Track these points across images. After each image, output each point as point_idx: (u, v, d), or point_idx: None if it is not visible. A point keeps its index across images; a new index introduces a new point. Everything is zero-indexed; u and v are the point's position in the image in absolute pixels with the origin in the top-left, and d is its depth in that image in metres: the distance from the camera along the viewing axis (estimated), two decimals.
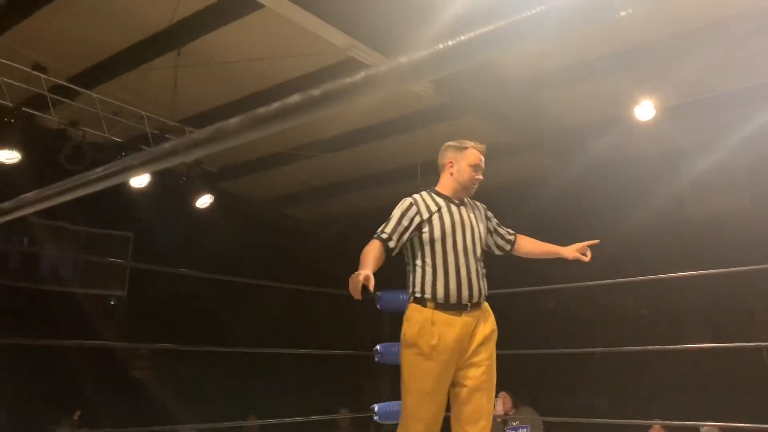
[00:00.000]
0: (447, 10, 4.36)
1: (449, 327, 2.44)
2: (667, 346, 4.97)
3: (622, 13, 0.67)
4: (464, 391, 2.46)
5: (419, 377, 2.44)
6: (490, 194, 3.03)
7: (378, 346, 4.47)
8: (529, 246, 2.78)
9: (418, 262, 2.53)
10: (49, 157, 5.29)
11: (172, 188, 6.29)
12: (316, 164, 6.96)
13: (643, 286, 5.95)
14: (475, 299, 2.50)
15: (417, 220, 2.53)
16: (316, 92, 0.74)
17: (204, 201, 6.37)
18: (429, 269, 2.49)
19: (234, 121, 0.81)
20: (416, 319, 2.47)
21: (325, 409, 5.56)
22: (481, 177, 2.64)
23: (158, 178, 5.96)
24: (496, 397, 5.87)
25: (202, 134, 0.84)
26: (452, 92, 5.32)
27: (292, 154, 6.70)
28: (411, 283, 2.55)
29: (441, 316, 2.45)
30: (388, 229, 2.54)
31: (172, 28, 5.04)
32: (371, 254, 2.46)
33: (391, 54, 4.68)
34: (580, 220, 6.39)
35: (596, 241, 2.69)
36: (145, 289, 6.66)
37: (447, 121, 5.75)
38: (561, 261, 2.80)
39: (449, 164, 2.63)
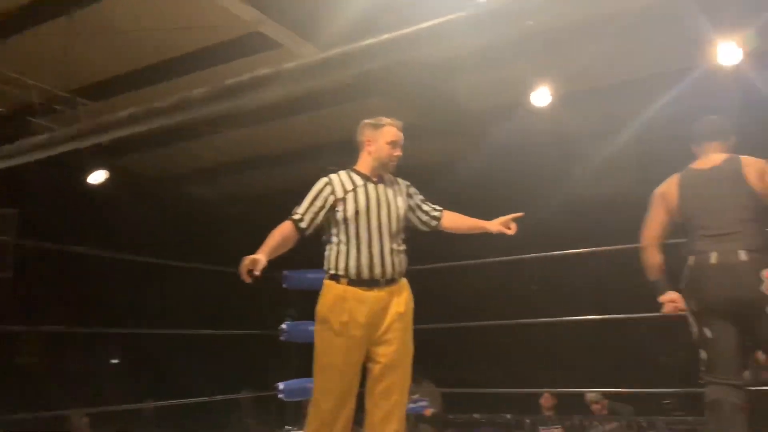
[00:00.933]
0: None
1: (360, 303, 2.48)
2: (557, 318, 5.26)
3: (530, 22, 0.71)
4: (377, 367, 2.51)
5: (330, 352, 2.49)
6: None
7: (284, 324, 4.47)
8: (456, 222, 2.79)
9: (334, 239, 2.57)
10: None
11: (62, 162, 5.91)
12: (220, 142, 6.78)
13: (537, 263, 6.27)
14: (388, 276, 2.53)
15: (331, 199, 2.56)
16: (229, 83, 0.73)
17: (97, 177, 6.04)
18: (343, 247, 2.53)
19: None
20: (329, 295, 2.53)
21: (228, 390, 5.49)
22: (399, 153, 2.66)
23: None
24: None
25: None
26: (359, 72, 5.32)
27: (194, 130, 6.48)
28: (326, 261, 2.58)
29: (353, 291, 2.49)
30: (300, 209, 2.58)
31: None
32: (274, 237, 2.52)
33: (303, 32, 4.62)
34: (486, 203, 6.62)
35: (521, 214, 2.70)
36: (34, 271, 6.26)
37: (354, 101, 5.75)
38: (464, 239, 2.89)
39: (367, 142, 2.65)
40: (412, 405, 5.93)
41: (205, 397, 4.48)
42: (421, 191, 2.81)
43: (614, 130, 5.88)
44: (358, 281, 2.51)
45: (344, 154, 2.83)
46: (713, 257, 2.69)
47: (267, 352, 5.64)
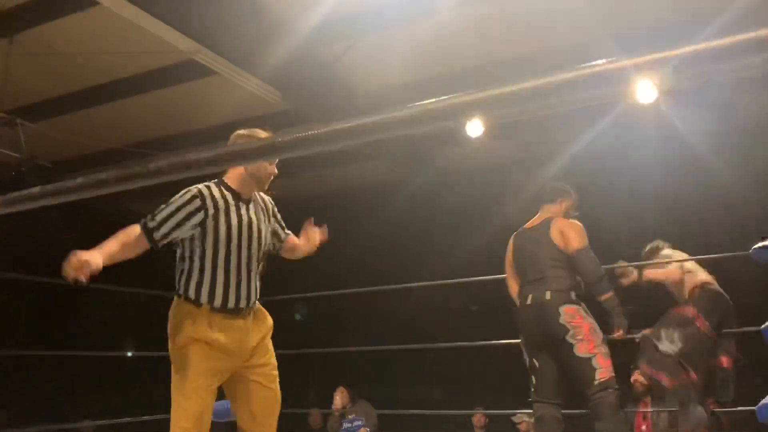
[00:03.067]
0: (300, 25, 4.53)
1: (223, 331, 2.30)
2: (487, 342, 5.45)
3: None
4: (250, 388, 2.40)
5: (190, 373, 2.27)
6: (335, 199, 3.11)
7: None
8: (291, 250, 2.67)
9: (195, 260, 2.34)
10: None
11: (4, 182, 5.91)
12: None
13: (476, 285, 6.48)
14: (251, 303, 2.41)
15: (199, 216, 2.30)
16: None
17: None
18: (207, 270, 2.32)
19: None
20: (187, 319, 2.30)
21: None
22: (275, 171, 2.47)
23: None
24: (334, 392, 6.18)
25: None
26: (298, 99, 5.49)
27: (131, 150, 6.53)
28: (182, 281, 2.36)
29: (215, 319, 2.30)
30: (159, 217, 2.28)
31: (5, 15, 4.77)
32: (117, 240, 2.21)
33: (240, 61, 4.77)
34: (422, 231, 6.89)
35: (310, 220, 2.65)
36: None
37: (292, 126, 5.89)
38: (409, 261, 2.93)
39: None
40: (347, 425, 6.05)
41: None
42: (363, 213, 2.78)
43: (543, 161, 6.16)
44: (221, 309, 2.32)
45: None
46: (529, 299, 3.38)
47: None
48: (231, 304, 2.34)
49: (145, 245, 2.28)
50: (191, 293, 2.33)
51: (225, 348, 2.30)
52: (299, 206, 2.94)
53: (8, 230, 5.85)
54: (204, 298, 2.31)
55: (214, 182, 2.40)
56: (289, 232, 2.66)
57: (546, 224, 3.52)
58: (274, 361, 2.49)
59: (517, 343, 3.60)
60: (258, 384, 2.41)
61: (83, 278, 2.03)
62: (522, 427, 5.81)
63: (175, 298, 2.38)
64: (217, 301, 2.32)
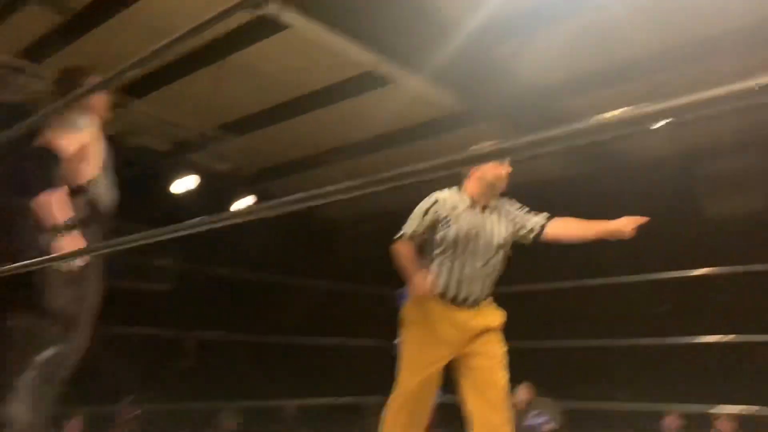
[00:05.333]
0: (467, 25, 4.64)
1: (450, 321, 2.62)
2: (686, 338, 5.15)
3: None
4: (472, 374, 2.64)
5: (411, 356, 2.65)
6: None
7: (396, 341, 4.81)
8: (561, 231, 2.75)
9: (429, 257, 2.71)
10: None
11: (214, 192, 6.75)
12: (350, 166, 7.32)
13: (667, 282, 6.13)
14: (479, 298, 2.68)
15: (435, 217, 2.68)
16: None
17: (245, 203, 6.83)
18: (436, 265, 2.67)
19: None
20: (417, 307, 2.70)
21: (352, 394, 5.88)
22: (506, 171, 2.71)
23: (204, 181, 6.43)
24: (517, 387, 6.19)
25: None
26: (470, 99, 5.60)
27: (322, 158, 7.07)
28: None
29: (444, 310, 2.63)
30: (407, 227, 2.74)
31: (214, 42, 5.43)
32: (406, 257, 2.69)
33: (414, 67, 5.01)
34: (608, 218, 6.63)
35: (646, 219, 2.61)
36: (189, 285, 7.19)
37: (463, 128, 6.01)
38: (590, 256, 2.85)
39: (473, 169, 2.72)
40: (532, 421, 6.05)
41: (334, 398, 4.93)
42: (538, 209, 2.78)
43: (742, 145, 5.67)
44: (445, 300, 2.64)
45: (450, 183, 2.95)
46: None
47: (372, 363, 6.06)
48: (460, 298, 2.65)
49: (407, 246, 2.71)
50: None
51: (449, 337, 2.62)
52: None
53: (228, 235, 6.70)
54: (435, 291, 2.64)
55: (455, 188, 2.77)
56: (546, 219, 2.77)
57: None
58: (498, 350, 2.68)
59: (713, 342, 3.29)
60: (479, 370, 2.63)
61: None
62: (722, 427, 5.38)
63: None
64: (448, 294, 2.64)
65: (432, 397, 2.73)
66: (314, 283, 5.86)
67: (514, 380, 6.36)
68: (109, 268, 2.44)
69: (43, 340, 2.18)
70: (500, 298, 2.86)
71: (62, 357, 2.17)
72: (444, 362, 2.67)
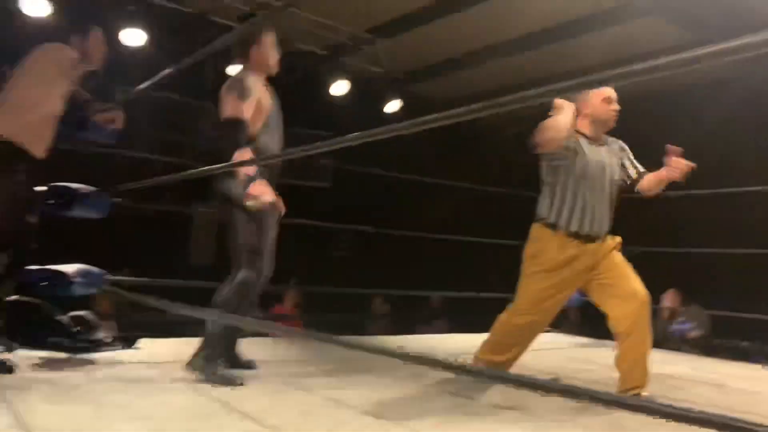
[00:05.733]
0: None
1: (574, 253, 2.67)
2: None
3: None
4: (603, 289, 2.69)
5: (531, 287, 2.74)
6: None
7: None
8: (650, 183, 2.78)
9: (556, 190, 2.72)
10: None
11: (367, 95, 7.05)
12: (496, 66, 7.25)
13: None
14: (602, 230, 2.70)
15: (562, 152, 2.68)
16: None
17: (393, 106, 7.08)
18: (566, 199, 2.68)
19: None
20: (539, 240, 2.74)
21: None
22: (615, 108, 2.73)
23: (355, 85, 6.74)
24: (664, 295, 6.12)
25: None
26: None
27: (473, 57, 7.05)
28: (543, 207, 2.77)
29: (569, 242, 2.67)
30: None
31: None
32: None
33: None
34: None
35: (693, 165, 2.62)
36: (344, 183, 7.73)
37: (624, 23, 5.69)
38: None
39: (582, 105, 2.73)
40: (677, 326, 6.02)
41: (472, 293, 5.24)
42: (692, 113, 2.74)
43: None
44: (574, 234, 2.68)
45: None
46: None
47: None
48: (584, 230, 2.68)
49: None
50: (551, 218, 2.73)
51: (573, 268, 2.68)
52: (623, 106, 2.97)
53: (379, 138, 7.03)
54: (561, 223, 2.70)
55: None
56: (644, 170, 2.82)
57: None
58: (626, 266, 2.72)
59: None
60: (614, 286, 2.67)
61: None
62: None
63: (536, 222, 2.79)
64: (573, 226, 2.68)
65: (545, 325, 2.87)
66: (460, 185, 6.09)
67: (660, 289, 6.30)
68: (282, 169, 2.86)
69: (237, 261, 2.72)
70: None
71: (251, 281, 2.66)
72: (567, 294, 2.77)
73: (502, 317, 2.86)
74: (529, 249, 2.79)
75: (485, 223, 7.30)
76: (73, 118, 2.78)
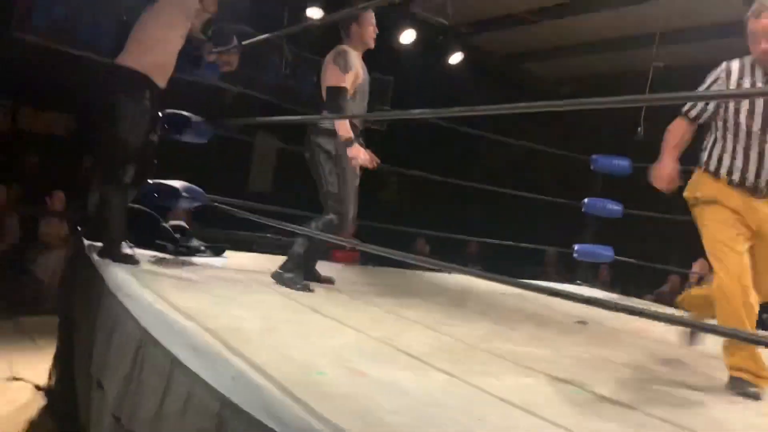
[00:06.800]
0: None
1: (736, 205, 2.37)
2: None
3: None
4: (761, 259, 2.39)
5: (713, 228, 2.38)
6: None
7: (586, 200, 5.23)
8: None
9: (717, 135, 2.43)
10: None
11: (430, 45, 7.33)
12: (559, 24, 7.37)
13: None
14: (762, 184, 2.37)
15: (720, 88, 2.40)
16: None
17: (456, 58, 7.36)
18: (728, 146, 2.39)
19: None
20: (701, 187, 2.46)
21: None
22: None
23: (419, 35, 7.02)
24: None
25: None
26: None
27: (536, 13, 7.18)
28: (705, 154, 2.48)
29: (731, 193, 2.38)
30: (690, 104, 2.45)
31: None
32: (670, 141, 2.46)
33: None
34: None
35: None
36: (400, 128, 8.12)
37: None
38: None
39: (750, 34, 2.34)
40: None
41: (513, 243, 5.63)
42: None
43: None
44: (737, 184, 2.38)
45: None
46: None
47: (570, 221, 6.52)
48: (749, 181, 2.36)
49: (691, 128, 2.48)
50: (712, 166, 2.44)
51: (746, 222, 2.37)
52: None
53: (440, 87, 7.33)
54: (723, 171, 2.40)
55: (746, 58, 2.39)
56: None
57: None
58: None
59: None
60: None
61: (672, 187, 2.46)
62: None
63: (697, 169, 2.52)
64: (735, 176, 2.37)
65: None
66: (513, 142, 6.43)
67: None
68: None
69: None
70: None
71: (333, 223, 3.18)
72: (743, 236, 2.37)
73: (720, 295, 2.32)
74: (689, 197, 2.52)
75: (534, 180, 7.65)
76: (190, 56, 3.25)
